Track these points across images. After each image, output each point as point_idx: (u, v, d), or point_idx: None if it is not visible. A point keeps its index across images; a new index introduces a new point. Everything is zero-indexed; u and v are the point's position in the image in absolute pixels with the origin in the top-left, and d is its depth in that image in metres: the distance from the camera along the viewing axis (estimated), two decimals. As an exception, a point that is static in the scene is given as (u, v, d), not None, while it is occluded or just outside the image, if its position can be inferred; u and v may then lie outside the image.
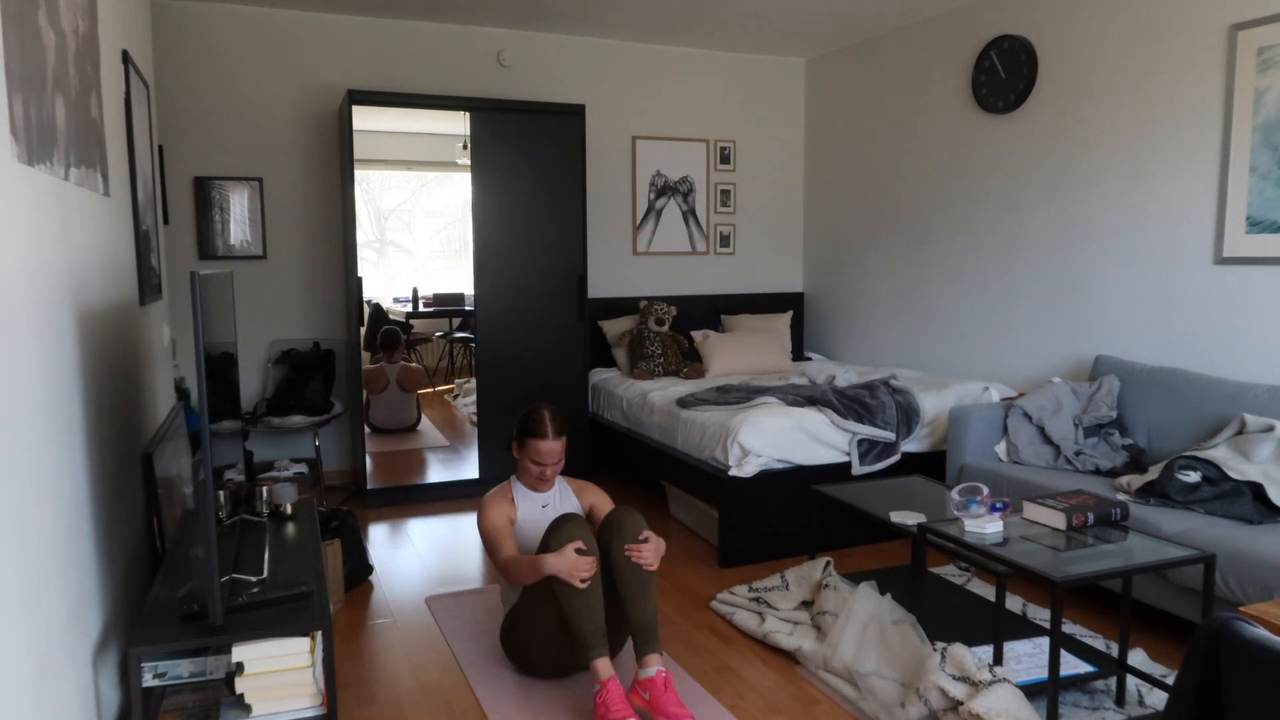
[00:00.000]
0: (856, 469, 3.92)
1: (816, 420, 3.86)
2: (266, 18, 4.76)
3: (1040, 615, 3.16)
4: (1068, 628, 3.04)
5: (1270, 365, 3.41)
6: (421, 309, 5.85)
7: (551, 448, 2.79)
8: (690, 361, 5.23)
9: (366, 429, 4.89)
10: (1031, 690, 2.43)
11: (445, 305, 5.90)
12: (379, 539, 4.15)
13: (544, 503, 2.90)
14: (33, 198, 1.67)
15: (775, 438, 3.75)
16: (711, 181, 5.86)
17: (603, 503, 2.94)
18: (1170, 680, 2.59)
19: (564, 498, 2.94)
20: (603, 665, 2.46)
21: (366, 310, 5.06)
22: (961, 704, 2.32)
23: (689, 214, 5.82)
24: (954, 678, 2.40)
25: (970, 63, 4.70)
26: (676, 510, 4.43)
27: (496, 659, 2.89)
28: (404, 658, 2.92)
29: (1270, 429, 3.08)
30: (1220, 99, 3.52)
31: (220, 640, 1.85)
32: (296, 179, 4.90)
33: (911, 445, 4.10)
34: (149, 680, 1.83)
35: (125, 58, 2.96)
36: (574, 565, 2.48)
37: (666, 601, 3.37)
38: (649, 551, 2.58)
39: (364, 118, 4.55)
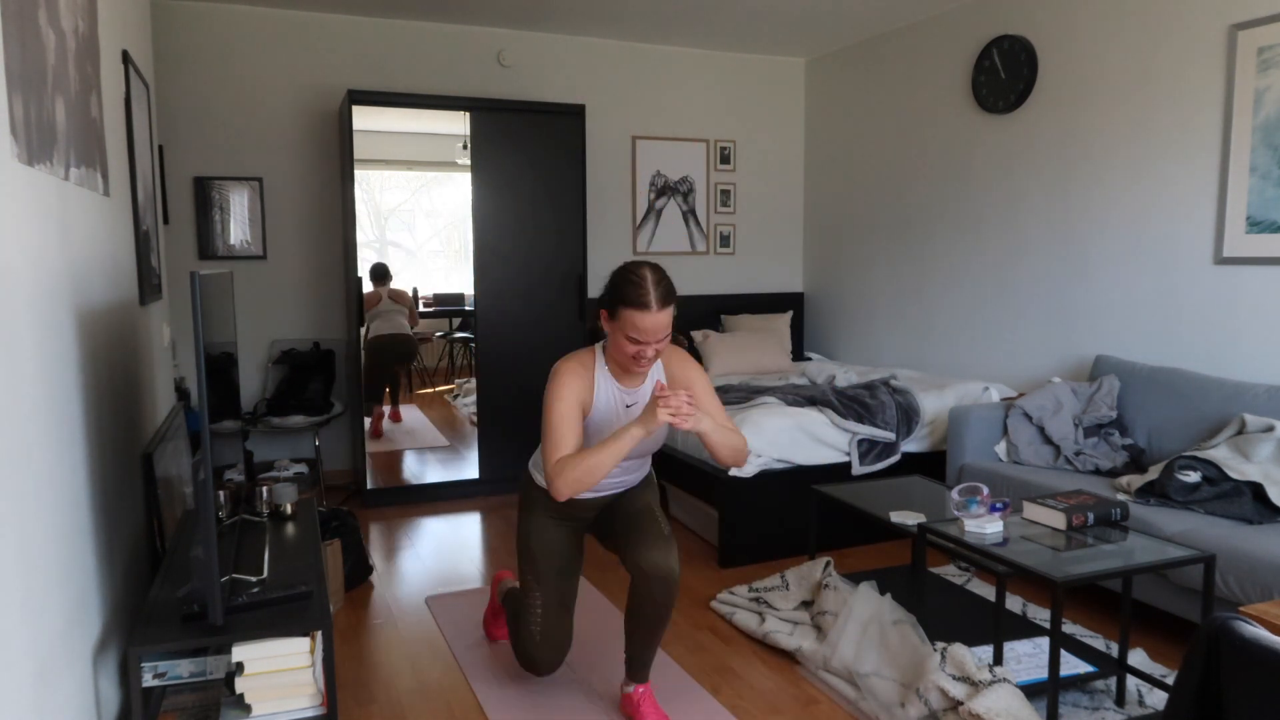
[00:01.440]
0: (856, 469, 3.92)
1: (816, 420, 3.86)
2: (266, 18, 4.76)
3: (1040, 615, 3.16)
4: (1068, 628, 3.04)
5: (1270, 365, 3.41)
6: (422, 309, 5.85)
7: (655, 322, 2.09)
8: (690, 361, 5.23)
9: (363, 354, 4.85)
10: (1031, 690, 2.43)
11: (445, 305, 5.90)
12: (379, 539, 4.15)
13: (630, 401, 2.27)
14: (33, 198, 1.67)
15: (775, 438, 3.74)
16: (711, 181, 5.85)
17: (700, 389, 2.30)
18: (1170, 680, 2.59)
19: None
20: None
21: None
22: (961, 704, 2.32)
23: (689, 214, 5.82)
24: (954, 678, 2.40)
25: (970, 63, 4.70)
26: (676, 510, 4.43)
27: (496, 659, 2.89)
28: (404, 658, 2.92)
29: (1270, 429, 3.08)
30: (1220, 99, 3.52)
31: (220, 640, 1.85)
32: (296, 179, 4.91)
33: (911, 445, 4.10)
34: (149, 680, 1.83)
35: (125, 58, 2.96)
36: (669, 406, 1.96)
37: (666, 601, 3.37)
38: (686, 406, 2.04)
39: (364, 118, 4.55)
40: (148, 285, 3.15)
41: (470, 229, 4.75)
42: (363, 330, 4.90)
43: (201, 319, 1.79)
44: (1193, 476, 3.01)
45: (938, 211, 5.00)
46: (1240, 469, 2.98)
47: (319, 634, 1.94)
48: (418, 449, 5.33)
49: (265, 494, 2.68)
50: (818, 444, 3.86)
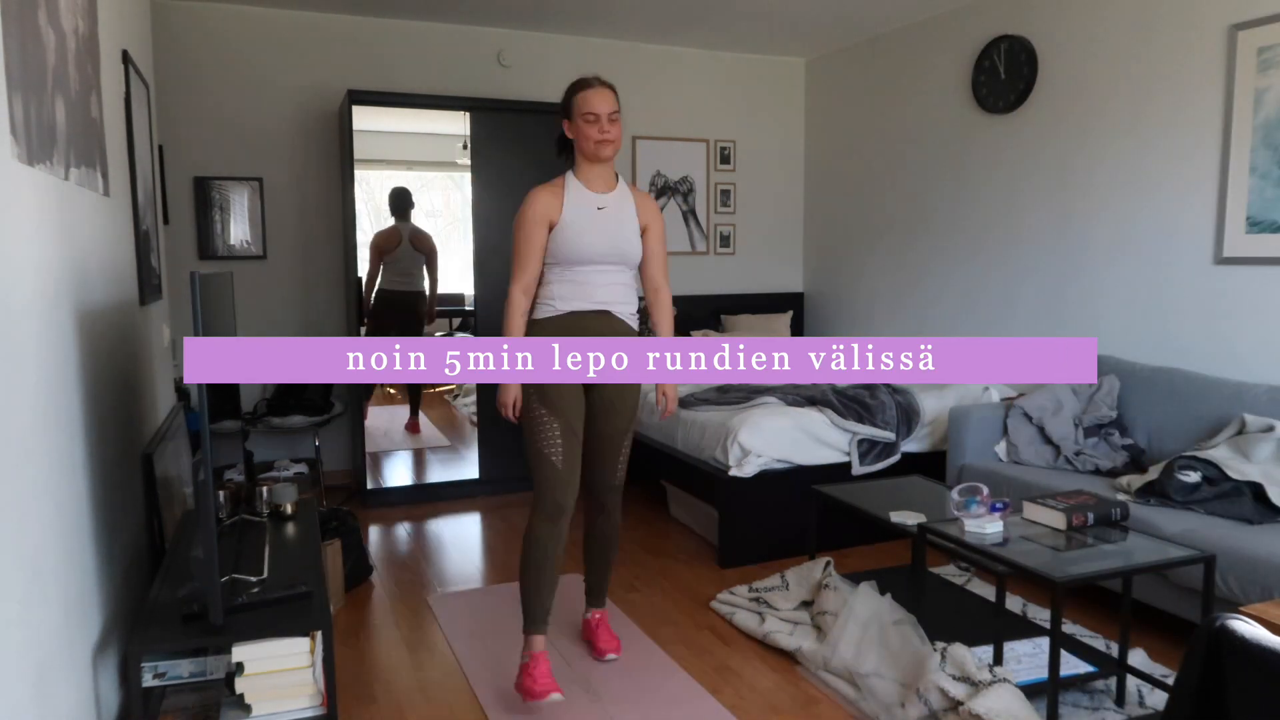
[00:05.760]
0: (856, 469, 3.92)
1: (816, 420, 3.86)
2: (266, 18, 4.76)
3: (1040, 615, 3.16)
4: (1068, 628, 3.04)
5: (1270, 365, 3.41)
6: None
7: (602, 97, 2.52)
8: (690, 361, 5.23)
9: (368, 313, 4.80)
10: (1031, 690, 2.43)
11: (445, 305, 5.89)
12: (379, 539, 4.15)
13: (601, 204, 2.60)
14: (33, 198, 1.67)
15: (775, 438, 3.75)
16: (711, 181, 5.86)
17: (656, 233, 2.73)
18: (1170, 680, 2.59)
19: (623, 204, 2.64)
20: (538, 641, 2.60)
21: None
22: (961, 704, 2.32)
23: (689, 214, 5.82)
24: (954, 678, 2.40)
25: (970, 63, 4.70)
26: (676, 510, 4.43)
27: (496, 659, 2.89)
28: (404, 658, 2.92)
29: (1270, 429, 3.08)
30: (1220, 99, 3.52)
31: (220, 640, 1.85)
32: (296, 179, 4.90)
33: (911, 445, 4.10)
34: (149, 680, 1.83)
35: (125, 58, 2.96)
36: (506, 404, 2.57)
37: (666, 601, 3.37)
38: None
39: (364, 118, 4.55)
40: (148, 285, 3.15)
41: (470, 229, 4.75)
42: (363, 280, 4.73)
43: (201, 319, 1.79)
44: (1193, 476, 3.01)
45: (938, 211, 5.00)
46: (1240, 469, 2.98)
47: (319, 634, 1.94)
48: (418, 449, 5.33)
49: (265, 494, 2.69)
50: (818, 444, 3.86)
